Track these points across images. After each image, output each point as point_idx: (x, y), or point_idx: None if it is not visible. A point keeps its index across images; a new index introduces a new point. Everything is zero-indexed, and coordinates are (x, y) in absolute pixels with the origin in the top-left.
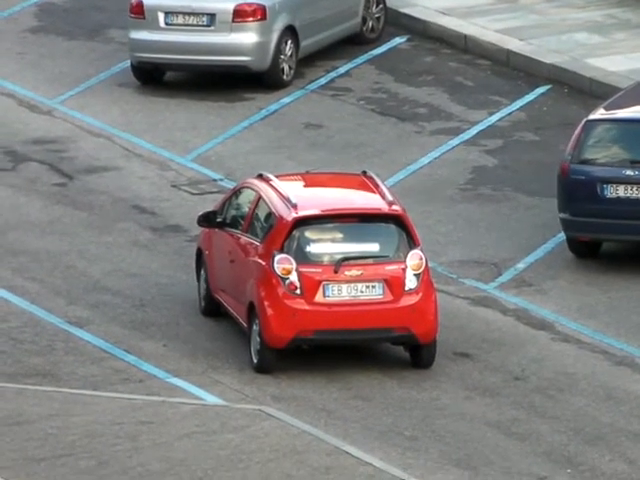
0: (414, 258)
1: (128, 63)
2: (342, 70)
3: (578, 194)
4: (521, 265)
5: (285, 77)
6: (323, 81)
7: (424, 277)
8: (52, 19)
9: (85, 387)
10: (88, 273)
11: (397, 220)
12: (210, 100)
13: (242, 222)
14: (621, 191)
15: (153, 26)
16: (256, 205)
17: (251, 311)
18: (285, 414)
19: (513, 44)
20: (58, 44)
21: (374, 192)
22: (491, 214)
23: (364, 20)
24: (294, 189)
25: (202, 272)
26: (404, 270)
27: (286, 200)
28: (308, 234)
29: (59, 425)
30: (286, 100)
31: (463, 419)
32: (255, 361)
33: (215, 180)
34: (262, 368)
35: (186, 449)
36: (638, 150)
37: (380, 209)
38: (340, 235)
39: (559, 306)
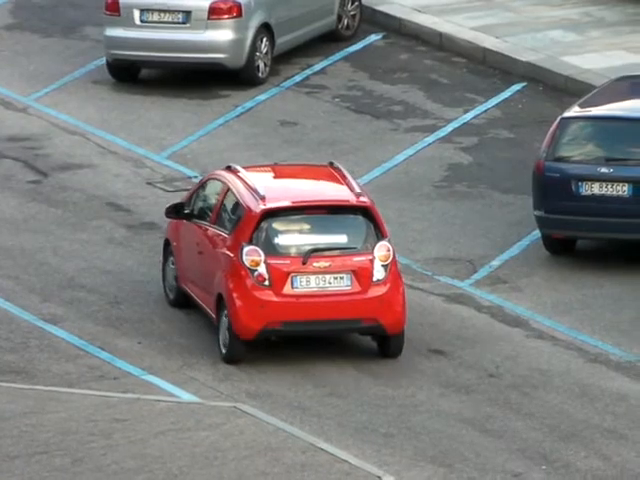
0: (382, 249)
1: (103, 60)
2: (317, 67)
3: (553, 191)
4: (496, 262)
5: (260, 74)
6: (298, 78)
7: (392, 268)
8: (27, 16)
9: (60, 384)
10: (62, 270)
11: (365, 212)
12: (185, 97)
13: (210, 214)
14: (596, 188)
15: (128, 23)
16: (224, 197)
17: (220, 302)
18: (260, 411)
19: (489, 42)
20: (33, 41)
21: (342, 184)
22: (466, 211)
23: (339, 17)
24: (262, 181)
25: (169, 263)
26: (372, 261)
27: (254, 192)
28: (276, 226)
29: (33, 422)
30: (261, 97)
31: (438, 416)
32: (224, 352)
33: (190, 177)
34: (231, 359)
35: (161, 446)
36: (612, 148)
37: (348, 201)
38: (308, 227)
39: (534, 303)
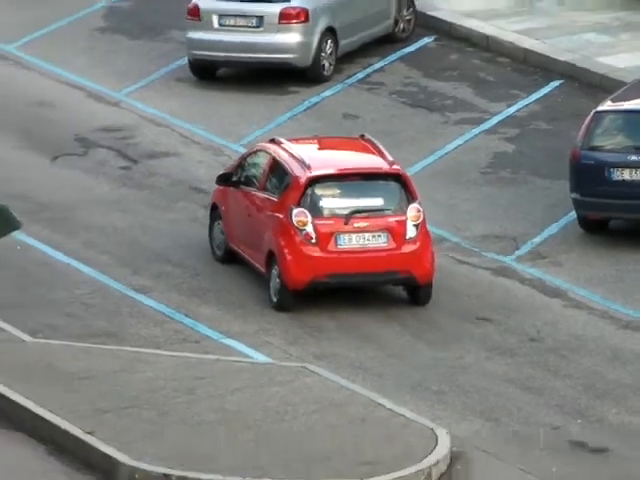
0: (413, 211)
1: (185, 60)
2: (377, 66)
3: (588, 177)
4: (537, 240)
5: (325, 73)
6: (360, 76)
7: (422, 228)
8: (118, 20)
9: (147, 346)
10: (150, 246)
11: (397, 178)
12: (258, 93)
13: (257, 181)
14: (626, 174)
15: (208, 27)
16: (271, 166)
17: (270, 258)
18: (326, 370)
19: (529, 43)
20: (123, 43)
21: (375, 154)
22: (509, 195)
23: (396, 22)
24: (306, 151)
25: (217, 225)
26: (405, 221)
27: (300, 161)
28: (320, 191)
29: (123, 380)
30: (326, 93)
31: (485, 376)
32: (274, 301)
33: None
34: (280, 307)
35: (238, 401)
36: None
37: (382, 168)
38: (348, 191)
39: (571, 276)
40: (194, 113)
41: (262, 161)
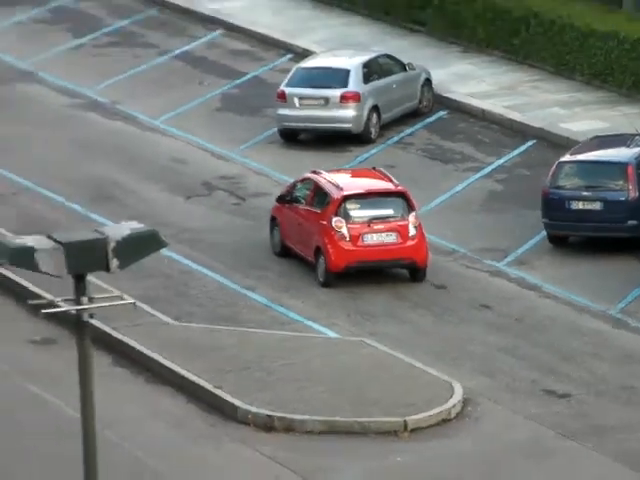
0: (412, 217)
1: (276, 129)
2: (407, 132)
3: (553, 207)
4: (519, 251)
5: (372, 137)
6: (395, 139)
7: (419, 229)
8: (230, 103)
9: (256, 327)
10: (253, 256)
11: (402, 195)
12: (326, 151)
13: (305, 199)
14: (580, 205)
15: (291, 106)
16: (314, 189)
17: (317, 251)
18: (377, 343)
19: (512, 115)
20: (234, 118)
21: (385, 180)
22: (500, 220)
23: (420, 101)
24: (338, 178)
25: (275, 232)
26: (407, 225)
27: (335, 185)
28: (350, 205)
29: (240, 350)
30: (373, 151)
31: (485, 346)
32: (321, 280)
33: None
34: (325, 285)
35: (317, 364)
36: (590, 179)
37: (391, 189)
38: (369, 205)
39: (543, 276)
40: (282, 165)
41: (308, 186)
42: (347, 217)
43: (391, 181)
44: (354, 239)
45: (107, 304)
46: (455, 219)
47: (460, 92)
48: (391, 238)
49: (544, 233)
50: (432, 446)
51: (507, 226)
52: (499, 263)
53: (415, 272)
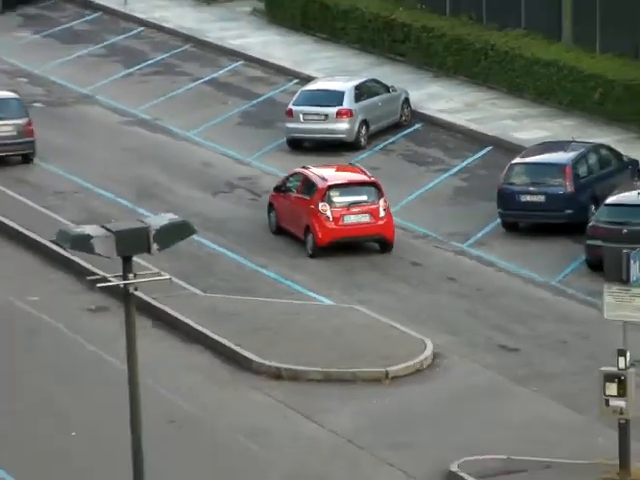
0: (382, 202)
1: (284, 139)
2: (390, 140)
3: (506, 199)
4: (479, 235)
5: (362, 144)
6: (380, 146)
7: (387, 211)
8: (248, 117)
9: (268, 297)
10: (266, 241)
11: (374, 184)
12: (326, 156)
13: (296, 189)
14: (528, 198)
15: (297, 120)
16: (304, 180)
17: (307, 230)
18: (364, 309)
19: (474, 126)
20: (250, 131)
21: (361, 173)
22: (465, 210)
23: (400, 115)
24: (323, 172)
25: (272, 215)
26: (378, 208)
27: (321, 177)
28: (333, 192)
29: (256, 315)
30: (362, 156)
31: (451, 310)
32: (310, 253)
33: None
34: (312, 256)
35: (316, 326)
36: (535, 177)
37: (365, 180)
38: (348, 192)
39: (498, 254)
40: (290, 168)
41: (298, 178)
42: (330, 202)
43: (365, 174)
44: (336, 220)
45: (148, 279)
46: (428, 209)
47: (432, 108)
48: (365, 218)
49: (499, 220)
50: (408, 390)
51: (469, 215)
52: (463, 244)
53: (384, 245)
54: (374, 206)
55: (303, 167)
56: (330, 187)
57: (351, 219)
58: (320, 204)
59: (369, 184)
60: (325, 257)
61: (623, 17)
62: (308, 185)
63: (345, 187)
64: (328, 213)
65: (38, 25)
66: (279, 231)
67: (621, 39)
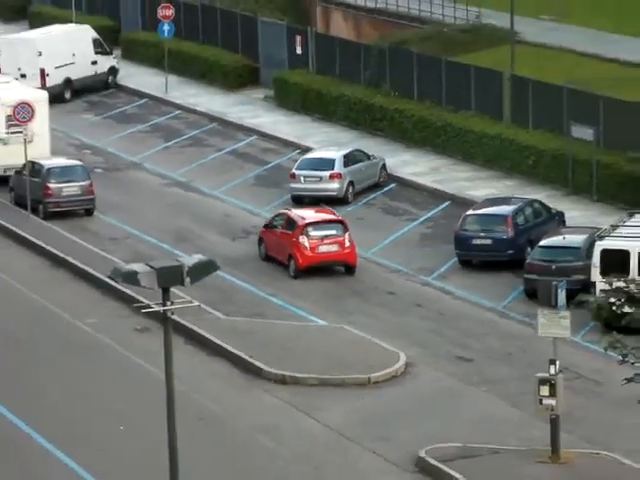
0: (347, 235)
1: (289, 196)
2: (371, 197)
3: (462, 243)
4: (441, 269)
5: (349, 200)
6: (364, 201)
7: (352, 243)
8: (260, 180)
9: (274, 319)
10: (275, 275)
11: (341, 222)
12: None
13: (281, 226)
14: (478, 241)
15: (299, 182)
16: (287, 219)
17: (290, 257)
18: (351, 328)
19: (436, 185)
20: (262, 190)
21: (331, 214)
22: (430, 251)
23: (379, 177)
24: (302, 213)
25: (261, 246)
26: (344, 239)
27: (300, 217)
28: (310, 228)
29: (264, 334)
30: (349, 209)
31: (418, 329)
32: (292, 275)
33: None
34: (295, 277)
35: (310, 342)
36: (484, 225)
37: (334, 218)
38: (321, 229)
39: (456, 285)
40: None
41: (282, 217)
42: (308, 235)
43: (334, 214)
44: (312, 249)
45: (182, 306)
46: (400, 250)
47: (404, 172)
48: (335, 248)
49: (456, 259)
50: (386, 392)
51: (433, 254)
52: (428, 277)
53: (349, 268)
54: (341, 238)
55: (286, 209)
56: (307, 224)
57: (324, 248)
58: (300, 237)
59: (337, 222)
60: (316, 285)
61: (550, 102)
62: (290, 222)
63: (319, 224)
64: (306, 244)
65: (99, 109)
66: (267, 259)
67: (549, 119)
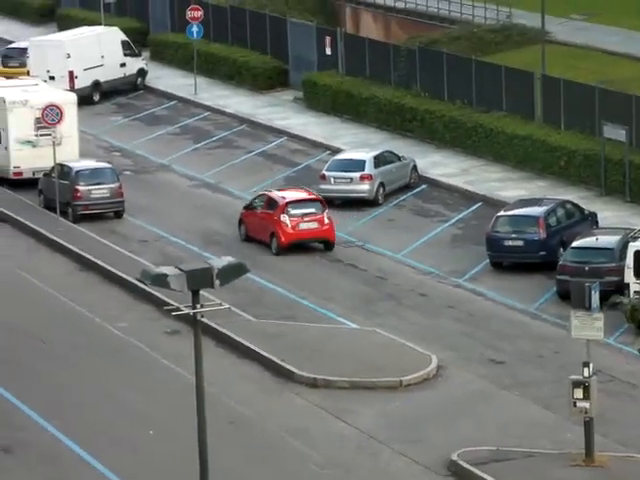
0: (326, 212)
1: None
2: (402, 198)
3: (493, 244)
4: (472, 271)
5: (380, 201)
6: (394, 202)
7: (330, 220)
8: (290, 182)
9: (305, 322)
10: (306, 279)
11: (320, 201)
12: (351, 210)
13: (261, 206)
14: (510, 242)
15: (329, 183)
16: (267, 199)
17: (272, 235)
18: (382, 331)
19: (467, 187)
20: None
21: (311, 193)
22: (460, 252)
23: (409, 179)
24: (283, 193)
25: (241, 228)
26: (323, 217)
27: (281, 196)
28: (290, 207)
29: (295, 337)
30: (380, 210)
31: (450, 331)
32: (274, 252)
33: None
34: (277, 254)
35: (342, 345)
36: (516, 226)
37: (314, 197)
38: (301, 207)
39: (488, 287)
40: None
41: (263, 198)
42: (289, 214)
43: (313, 194)
44: (293, 227)
45: (212, 309)
46: (432, 252)
47: (435, 173)
48: (314, 225)
49: (487, 260)
50: (418, 396)
51: (464, 256)
52: (459, 279)
53: (327, 244)
54: (320, 216)
55: (266, 190)
56: (288, 203)
57: (304, 226)
58: (281, 216)
59: (316, 200)
60: (348, 288)
61: (582, 102)
62: (271, 202)
63: (299, 203)
64: (287, 222)
65: (128, 111)
66: (247, 239)
67: (580, 119)
